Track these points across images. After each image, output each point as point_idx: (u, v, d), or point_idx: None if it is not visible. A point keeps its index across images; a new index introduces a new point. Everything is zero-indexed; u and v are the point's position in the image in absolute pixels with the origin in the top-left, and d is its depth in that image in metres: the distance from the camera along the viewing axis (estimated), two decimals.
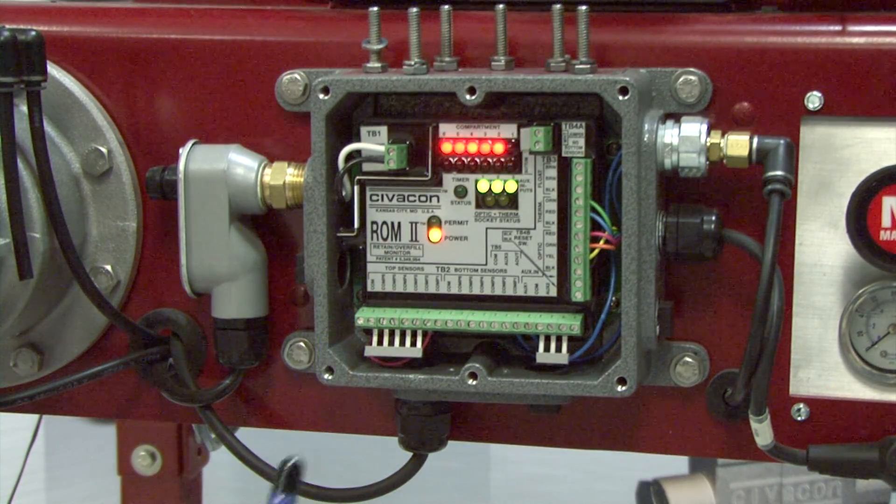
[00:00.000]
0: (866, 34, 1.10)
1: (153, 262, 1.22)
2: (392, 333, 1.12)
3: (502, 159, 1.10)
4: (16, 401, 1.18)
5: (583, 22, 1.08)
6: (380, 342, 1.12)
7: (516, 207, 1.10)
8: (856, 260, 1.11)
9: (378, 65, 1.12)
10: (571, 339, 1.10)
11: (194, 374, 1.22)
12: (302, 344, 1.19)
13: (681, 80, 1.11)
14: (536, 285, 1.10)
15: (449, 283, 1.12)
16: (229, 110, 1.19)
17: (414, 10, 1.11)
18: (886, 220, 1.08)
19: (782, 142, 1.08)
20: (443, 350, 1.15)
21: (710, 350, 1.15)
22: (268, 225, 1.20)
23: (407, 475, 1.19)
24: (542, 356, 1.10)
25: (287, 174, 1.15)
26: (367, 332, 1.13)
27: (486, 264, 1.11)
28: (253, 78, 1.18)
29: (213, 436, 1.70)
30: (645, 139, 1.07)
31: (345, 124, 1.13)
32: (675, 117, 1.10)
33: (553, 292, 1.10)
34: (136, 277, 1.22)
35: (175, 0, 1.28)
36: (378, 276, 1.13)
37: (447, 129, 1.10)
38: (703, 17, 1.15)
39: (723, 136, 1.09)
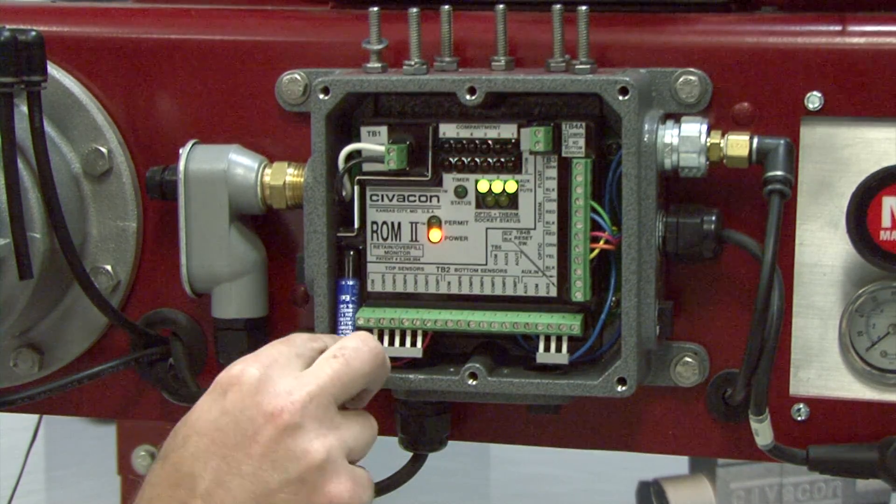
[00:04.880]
0: (866, 34, 1.10)
1: (153, 262, 1.22)
2: (392, 333, 1.12)
3: (502, 159, 1.10)
4: (16, 401, 1.18)
5: (583, 22, 1.08)
6: (380, 342, 1.12)
7: (516, 207, 1.10)
8: (856, 260, 1.11)
9: (378, 65, 1.12)
10: (571, 339, 1.10)
11: (194, 374, 1.22)
12: None
13: (681, 80, 1.11)
14: (536, 285, 1.10)
15: (449, 283, 1.12)
16: (229, 110, 1.19)
17: (414, 10, 1.11)
18: (886, 220, 1.08)
19: (782, 142, 1.08)
20: (443, 350, 1.15)
21: (710, 350, 1.15)
22: (268, 225, 1.20)
23: (407, 475, 1.19)
24: (542, 356, 1.10)
25: (287, 174, 1.15)
26: (367, 332, 1.13)
27: (486, 264, 1.11)
28: (253, 78, 1.18)
29: None
30: (645, 139, 1.07)
31: (345, 124, 1.13)
32: (675, 117, 1.10)
33: (553, 292, 1.10)
34: (136, 277, 1.22)
35: (175, 0, 1.28)
36: (378, 276, 1.13)
37: (447, 129, 1.10)
38: (703, 17, 1.15)
39: (723, 136, 1.09)
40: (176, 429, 0.98)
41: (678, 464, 2.44)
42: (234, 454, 0.94)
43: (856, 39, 1.10)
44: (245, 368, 0.98)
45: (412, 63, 1.11)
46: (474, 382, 1.11)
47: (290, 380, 0.98)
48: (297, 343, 1.03)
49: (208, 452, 0.94)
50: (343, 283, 1.13)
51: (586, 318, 1.10)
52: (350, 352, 1.02)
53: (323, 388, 0.98)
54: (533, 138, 1.07)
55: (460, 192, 1.11)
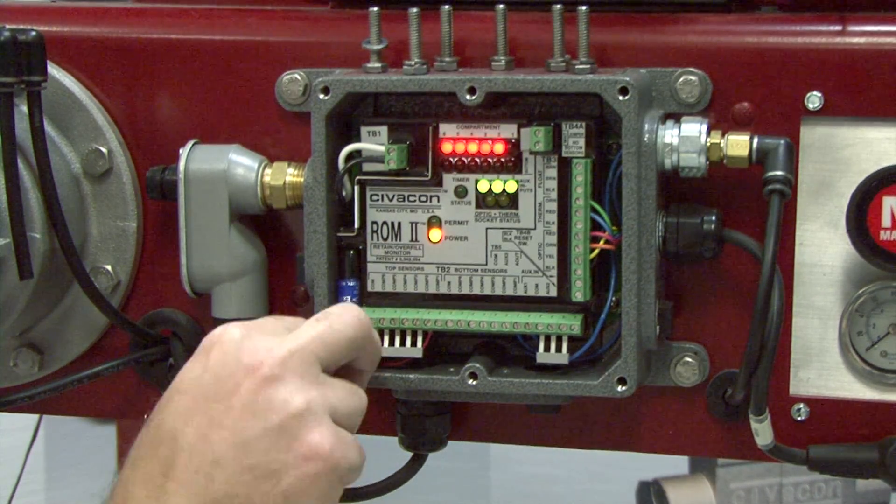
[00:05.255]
0: (866, 34, 1.10)
1: (153, 262, 1.22)
2: (392, 333, 1.12)
3: (502, 159, 1.10)
4: (16, 401, 1.18)
5: (583, 22, 1.08)
6: (380, 342, 1.12)
7: (516, 207, 1.10)
8: (856, 260, 1.11)
9: (378, 65, 1.12)
10: (571, 339, 1.10)
11: None
12: None
13: (681, 80, 1.11)
14: (536, 285, 1.10)
15: (449, 283, 1.12)
16: (229, 110, 1.19)
17: (414, 10, 1.11)
18: (886, 220, 1.08)
19: (782, 142, 1.08)
20: (443, 350, 1.15)
21: (710, 350, 1.15)
22: (268, 225, 1.20)
23: (407, 475, 1.19)
24: (542, 356, 1.10)
25: (287, 174, 1.15)
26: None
27: (486, 264, 1.11)
28: (253, 78, 1.18)
29: None
30: (645, 139, 1.07)
31: (345, 124, 1.13)
32: (675, 117, 1.10)
33: (553, 292, 1.10)
34: (136, 277, 1.22)
35: (175, 0, 1.28)
36: (378, 276, 1.13)
37: (447, 129, 1.10)
38: (703, 17, 1.15)
39: (723, 136, 1.09)
40: (162, 396, 0.98)
41: (678, 464, 2.45)
42: (216, 407, 0.94)
43: (856, 39, 1.10)
44: (227, 328, 0.98)
45: (412, 63, 1.11)
46: (474, 382, 1.11)
47: (271, 339, 0.98)
48: (286, 319, 1.03)
49: (189, 409, 0.94)
50: (344, 284, 1.13)
51: (586, 318, 1.10)
52: (334, 317, 1.01)
53: (304, 346, 0.97)
54: (533, 138, 1.07)
55: (460, 192, 1.11)
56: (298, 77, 1.16)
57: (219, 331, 0.98)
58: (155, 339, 1.22)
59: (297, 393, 0.95)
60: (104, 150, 1.20)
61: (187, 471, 0.93)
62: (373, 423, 1.21)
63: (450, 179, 1.11)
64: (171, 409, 0.95)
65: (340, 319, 1.00)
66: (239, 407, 0.94)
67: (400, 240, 1.12)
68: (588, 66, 1.08)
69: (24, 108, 1.12)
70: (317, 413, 0.95)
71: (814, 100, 1.10)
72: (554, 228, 1.10)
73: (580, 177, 1.08)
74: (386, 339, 1.12)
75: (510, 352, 1.15)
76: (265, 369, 0.95)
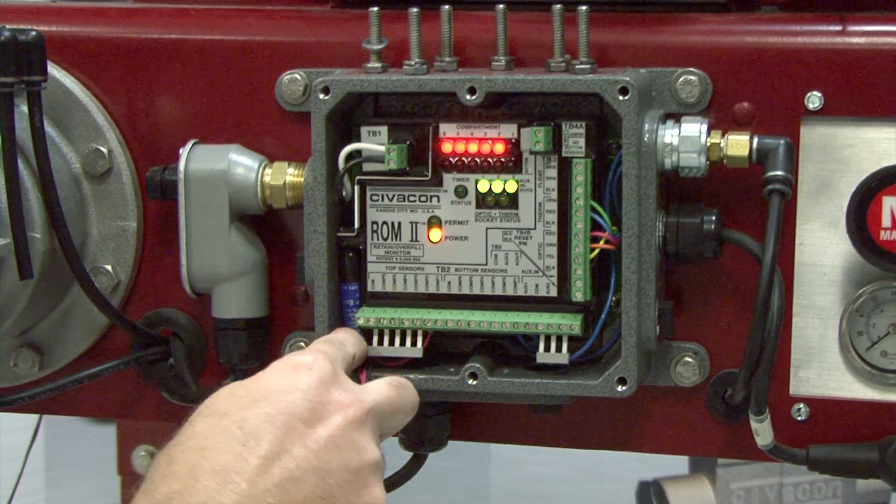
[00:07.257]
0: (866, 34, 1.10)
1: (153, 262, 1.22)
2: (392, 333, 1.12)
3: (502, 159, 1.10)
4: (16, 401, 1.18)
5: (583, 22, 1.08)
6: (380, 342, 1.12)
7: (516, 207, 1.10)
8: (856, 260, 1.11)
9: (378, 65, 1.12)
10: (572, 338, 1.10)
11: (195, 374, 1.22)
12: (302, 344, 1.19)
13: (681, 80, 1.11)
14: (537, 285, 1.10)
15: (449, 283, 1.12)
16: (229, 110, 1.19)
17: (414, 10, 1.11)
18: (886, 220, 1.08)
19: (782, 142, 1.08)
20: (443, 350, 1.15)
21: (710, 350, 1.15)
22: (268, 225, 1.20)
23: (407, 475, 1.19)
24: (542, 356, 1.10)
25: (287, 174, 1.15)
26: (368, 332, 1.13)
27: (486, 264, 1.11)
28: (253, 78, 1.18)
29: None
30: (645, 139, 1.07)
31: (345, 124, 1.13)
32: (675, 117, 1.10)
33: (553, 292, 1.10)
34: (136, 277, 1.22)
35: (175, 0, 1.28)
36: (378, 276, 1.13)
37: (447, 129, 1.10)
38: (703, 17, 1.15)
39: (723, 136, 1.09)
40: (231, 391, 0.98)
41: (678, 464, 2.44)
42: (302, 429, 0.96)
43: (856, 39, 1.10)
44: (317, 359, 1.01)
45: (412, 63, 1.11)
46: (474, 382, 1.11)
47: (355, 384, 1.03)
48: (336, 345, 1.07)
49: (276, 420, 0.95)
50: (346, 287, 1.13)
51: (586, 317, 1.10)
52: (401, 387, 1.06)
53: (380, 404, 1.03)
54: (533, 138, 1.07)
55: (460, 192, 1.11)
56: (298, 77, 1.16)
57: (307, 358, 1.01)
58: (155, 339, 1.22)
59: (373, 444, 1.00)
60: (104, 150, 1.20)
61: (264, 478, 0.93)
62: None
63: (450, 179, 1.11)
64: (255, 412, 0.96)
65: (407, 393, 1.07)
66: (324, 437, 0.97)
67: (400, 240, 1.12)
68: (588, 66, 1.08)
69: (24, 108, 1.12)
70: (382, 470, 1.00)
71: (814, 100, 1.10)
72: (554, 228, 1.10)
73: (580, 177, 1.08)
74: (386, 338, 1.12)
75: (510, 352, 1.15)
76: (355, 410, 0.99)
